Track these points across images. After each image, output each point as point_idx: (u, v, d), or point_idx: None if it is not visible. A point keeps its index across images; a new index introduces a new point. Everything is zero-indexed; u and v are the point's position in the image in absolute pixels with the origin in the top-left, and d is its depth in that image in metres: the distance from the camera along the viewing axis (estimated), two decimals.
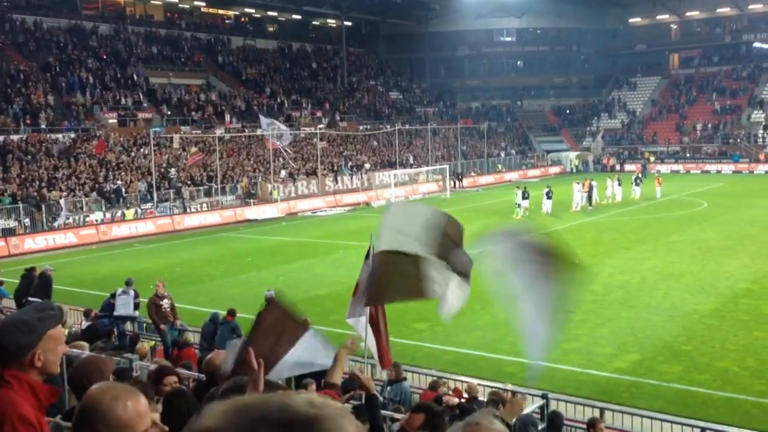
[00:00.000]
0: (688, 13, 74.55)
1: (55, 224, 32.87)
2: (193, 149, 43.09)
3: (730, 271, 21.89)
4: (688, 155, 65.55)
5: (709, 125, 67.22)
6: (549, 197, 36.63)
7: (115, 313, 14.70)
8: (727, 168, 61.48)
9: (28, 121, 41.12)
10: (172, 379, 5.76)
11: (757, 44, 71.76)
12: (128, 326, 15.22)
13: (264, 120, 42.94)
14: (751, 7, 70.50)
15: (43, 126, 41.25)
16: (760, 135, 63.99)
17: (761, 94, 67.91)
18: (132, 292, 15.23)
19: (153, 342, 14.07)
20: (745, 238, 27.72)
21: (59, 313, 2.85)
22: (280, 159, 46.46)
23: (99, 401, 2.47)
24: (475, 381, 10.95)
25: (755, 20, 72.50)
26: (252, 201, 40.79)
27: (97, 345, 9.41)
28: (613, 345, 15.13)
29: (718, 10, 72.36)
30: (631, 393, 12.54)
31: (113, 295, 15.37)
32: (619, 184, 41.26)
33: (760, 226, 30.75)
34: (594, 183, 39.96)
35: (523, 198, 36.37)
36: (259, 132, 48.90)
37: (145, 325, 15.82)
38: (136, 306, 15.36)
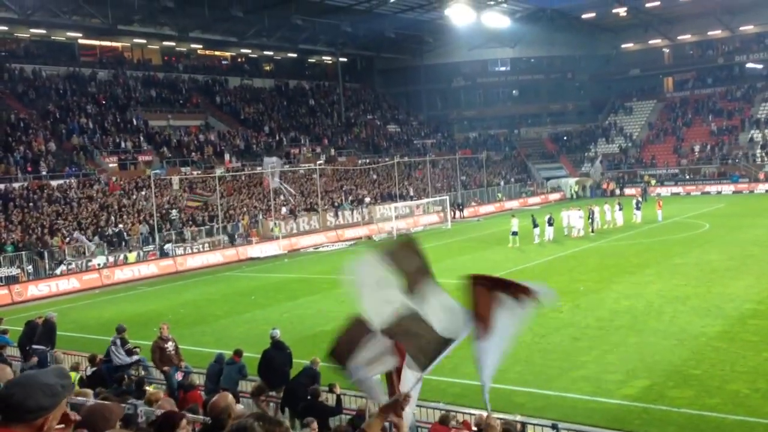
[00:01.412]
0: (679, 37, 75.28)
1: (61, 268, 32.88)
2: (192, 203, 43.54)
3: (736, 292, 21.78)
4: (687, 177, 65.70)
5: (707, 146, 67.49)
6: (550, 224, 36.65)
7: (115, 364, 14.63)
8: (727, 188, 61.58)
9: (29, 169, 41.37)
10: (183, 423, 5.72)
11: (750, 65, 72.39)
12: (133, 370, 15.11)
13: (267, 161, 44.03)
14: (741, 28, 71.24)
15: (44, 173, 41.49)
16: (758, 154, 64.19)
17: (757, 113, 68.29)
18: (118, 341, 15.12)
19: (153, 385, 13.95)
20: (749, 258, 27.63)
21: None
22: (281, 196, 46.62)
23: None
24: (484, 413, 10.82)
25: (747, 41, 73.25)
26: (245, 240, 40.71)
27: (101, 391, 9.34)
28: (621, 371, 14.99)
29: (710, 33, 73.11)
30: (642, 420, 12.39)
31: (118, 330, 15.52)
32: (620, 209, 41.24)
33: (763, 245, 30.67)
34: (596, 208, 40.04)
35: (534, 226, 36.38)
36: (259, 170, 49.19)
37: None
38: (129, 352, 15.21)
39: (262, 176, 45.46)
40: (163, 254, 36.65)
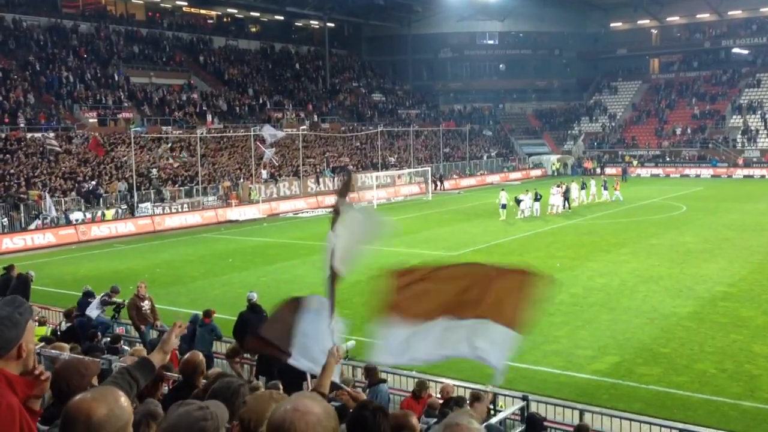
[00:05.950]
0: (668, 19, 75.28)
1: (36, 223, 32.49)
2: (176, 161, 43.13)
3: (709, 274, 22.09)
4: (667, 159, 66.16)
5: (689, 129, 67.91)
6: (537, 200, 36.83)
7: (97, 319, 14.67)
8: (706, 172, 62.14)
9: (6, 120, 40.66)
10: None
11: (736, 50, 72.61)
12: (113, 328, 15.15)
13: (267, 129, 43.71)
14: (730, 13, 71.39)
15: (22, 125, 40.81)
16: (738, 140, 64.72)
17: (740, 99, 68.69)
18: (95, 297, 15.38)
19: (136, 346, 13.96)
20: (723, 242, 28.00)
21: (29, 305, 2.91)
22: (263, 160, 46.28)
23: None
24: (452, 382, 10.94)
25: (734, 26, 73.41)
26: (224, 203, 40.49)
27: (75, 347, 9.30)
28: (593, 347, 15.21)
29: (698, 16, 73.16)
30: (610, 395, 12.62)
31: (85, 294, 15.58)
32: (582, 188, 41.94)
33: (737, 229, 31.08)
34: (571, 186, 40.55)
35: (517, 202, 36.48)
36: (242, 133, 48.76)
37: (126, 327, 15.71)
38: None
39: (251, 140, 44.90)
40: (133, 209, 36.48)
